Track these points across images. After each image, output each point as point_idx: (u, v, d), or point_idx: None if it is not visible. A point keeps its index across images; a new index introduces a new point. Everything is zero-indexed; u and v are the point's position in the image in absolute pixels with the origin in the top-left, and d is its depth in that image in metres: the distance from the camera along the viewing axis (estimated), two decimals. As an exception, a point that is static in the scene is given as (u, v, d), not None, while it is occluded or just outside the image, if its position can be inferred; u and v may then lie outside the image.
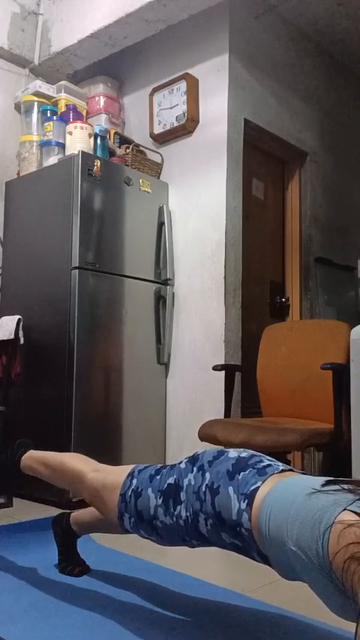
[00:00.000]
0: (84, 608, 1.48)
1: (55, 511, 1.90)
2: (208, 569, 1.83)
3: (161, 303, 3.19)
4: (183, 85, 3.20)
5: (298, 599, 1.53)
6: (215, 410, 2.89)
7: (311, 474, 1.23)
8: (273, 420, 2.62)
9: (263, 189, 3.61)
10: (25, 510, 2.50)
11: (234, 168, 3.11)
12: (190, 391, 3.10)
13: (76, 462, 1.57)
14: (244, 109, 3.20)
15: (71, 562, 1.74)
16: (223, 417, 2.74)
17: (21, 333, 2.83)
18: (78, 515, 1.70)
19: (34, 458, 1.67)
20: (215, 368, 2.78)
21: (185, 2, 2.94)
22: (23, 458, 1.69)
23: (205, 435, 2.47)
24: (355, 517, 0.92)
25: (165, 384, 3.21)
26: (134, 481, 1.34)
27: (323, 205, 3.85)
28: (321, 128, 3.87)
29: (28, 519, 2.29)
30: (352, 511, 0.93)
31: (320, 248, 3.80)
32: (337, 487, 1.01)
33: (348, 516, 0.92)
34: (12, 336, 2.78)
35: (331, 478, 1.06)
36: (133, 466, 1.40)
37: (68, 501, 2.55)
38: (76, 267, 2.79)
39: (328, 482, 1.04)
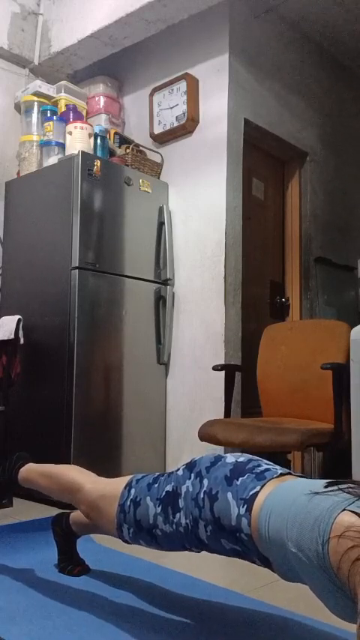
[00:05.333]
0: (83, 608, 1.48)
1: (55, 511, 1.90)
2: (208, 569, 1.83)
3: (161, 303, 3.19)
4: (183, 85, 3.20)
5: (298, 599, 1.54)
6: (215, 410, 2.89)
7: (310, 477, 1.23)
8: (273, 420, 2.62)
9: (263, 189, 3.61)
10: (25, 510, 2.50)
11: (234, 168, 3.11)
12: (190, 391, 3.10)
13: (74, 473, 1.57)
14: (244, 109, 3.20)
15: (71, 562, 1.74)
16: (223, 417, 2.74)
17: (21, 333, 2.82)
18: (78, 515, 1.70)
19: (32, 470, 1.67)
20: (215, 368, 2.78)
21: (185, 2, 2.94)
22: (21, 470, 1.69)
23: (205, 435, 2.47)
24: (354, 517, 0.92)
25: (165, 384, 3.21)
26: (132, 491, 1.33)
27: (323, 205, 3.85)
28: (321, 128, 3.87)
29: (28, 519, 2.29)
30: (351, 511, 0.93)
31: (320, 248, 3.80)
32: (336, 488, 1.01)
33: (347, 517, 0.93)
34: (12, 336, 2.78)
35: (330, 480, 1.06)
36: (130, 476, 1.40)
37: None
38: (76, 267, 2.79)
39: (327, 484, 1.04)
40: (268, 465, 1.22)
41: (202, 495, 1.19)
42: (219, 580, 1.74)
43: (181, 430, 3.11)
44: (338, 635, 1.35)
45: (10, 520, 2.32)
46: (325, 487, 1.03)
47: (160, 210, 3.23)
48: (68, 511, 1.76)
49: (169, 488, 1.27)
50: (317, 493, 1.01)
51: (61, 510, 1.86)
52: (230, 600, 1.58)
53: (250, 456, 1.26)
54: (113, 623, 1.39)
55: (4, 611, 1.46)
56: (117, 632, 1.35)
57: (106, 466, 2.76)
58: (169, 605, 1.53)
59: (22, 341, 2.83)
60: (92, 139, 3.12)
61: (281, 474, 1.17)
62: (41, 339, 2.90)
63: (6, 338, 2.79)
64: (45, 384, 2.85)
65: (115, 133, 3.35)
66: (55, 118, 3.19)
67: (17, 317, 2.83)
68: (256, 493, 1.11)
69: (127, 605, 1.51)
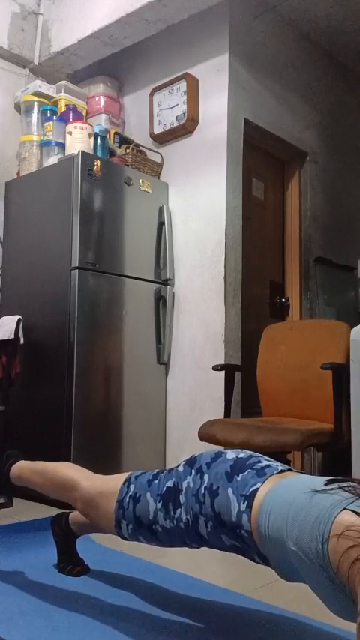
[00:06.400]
0: (83, 608, 1.48)
1: (54, 511, 1.90)
2: (208, 569, 1.83)
3: (161, 303, 3.19)
4: (183, 85, 3.20)
5: (298, 599, 1.53)
6: (215, 410, 2.89)
7: (311, 474, 1.22)
8: (273, 420, 2.62)
9: (263, 189, 3.61)
10: (25, 510, 2.50)
11: (234, 168, 3.11)
12: (190, 391, 3.10)
13: (68, 470, 1.55)
14: (244, 109, 3.20)
15: (71, 562, 1.74)
16: (223, 417, 2.74)
17: (21, 333, 2.82)
18: (77, 515, 1.70)
19: (25, 467, 1.65)
20: (215, 368, 2.78)
21: (185, 2, 2.94)
22: (13, 468, 1.67)
23: (205, 435, 2.47)
24: (354, 517, 0.91)
25: (165, 384, 3.21)
26: (131, 487, 1.33)
27: (323, 205, 3.85)
28: (321, 128, 3.87)
29: (27, 519, 2.28)
30: (351, 510, 0.93)
31: (320, 248, 3.80)
32: (336, 486, 1.01)
33: (347, 516, 0.92)
34: (12, 336, 2.78)
35: (331, 478, 1.06)
36: (128, 473, 1.39)
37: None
38: (76, 267, 2.79)
39: (328, 482, 1.04)
40: (268, 461, 1.22)
41: (202, 491, 1.19)
42: (219, 580, 1.74)
43: (181, 430, 3.11)
44: (338, 635, 1.35)
45: (9, 520, 2.32)
46: (326, 485, 1.02)
47: (160, 210, 3.23)
48: (68, 511, 1.76)
49: (169, 484, 1.26)
50: (318, 491, 1.01)
51: (60, 510, 1.86)
52: (230, 600, 1.58)
53: (251, 452, 1.26)
54: (113, 623, 1.39)
55: (4, 612, 1.45)
56: (117, 632, 1.35)
57: (106, 466, 2.75)
58: (169, 605, 1.53)
59: (22, 341, 2.83)
60: (92, 139, 3.12)
61: (282, 471, 1.17)
62: (41, 339, 2.90)
63: (6, 338, 2.79)
64: (45, 384, 2.85)
65: (115, 133, 3.35)
66: (55, 118, 3.19)
67: (17, 317, 2.83)
68: (257, 489, 1.12)
69: (127, 606, 1.51)
